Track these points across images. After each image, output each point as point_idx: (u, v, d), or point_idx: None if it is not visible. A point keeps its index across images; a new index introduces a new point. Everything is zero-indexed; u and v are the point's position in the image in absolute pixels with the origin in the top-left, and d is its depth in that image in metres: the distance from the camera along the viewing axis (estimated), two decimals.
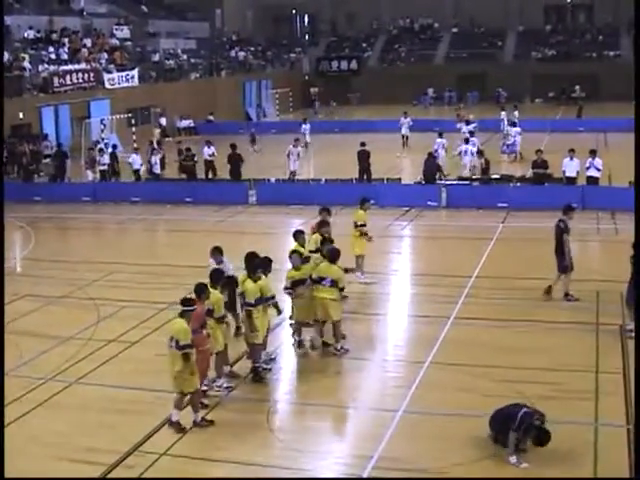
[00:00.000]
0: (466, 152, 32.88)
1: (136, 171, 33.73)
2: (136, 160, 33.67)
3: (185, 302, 12.11)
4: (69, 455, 11.33)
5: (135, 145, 37.10)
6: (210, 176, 34.02)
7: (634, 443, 9.29)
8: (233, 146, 33.51)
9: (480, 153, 31.61)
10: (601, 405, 12.33)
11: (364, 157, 31.60)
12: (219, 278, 13.47)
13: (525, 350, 14.56)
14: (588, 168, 27.73)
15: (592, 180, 27.78)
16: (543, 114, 57.09)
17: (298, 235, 16.18)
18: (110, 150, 35.91)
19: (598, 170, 27.64)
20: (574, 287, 17.94)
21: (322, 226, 17.12)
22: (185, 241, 25.08)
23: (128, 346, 15.44)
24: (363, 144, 31.87)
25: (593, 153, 28.06)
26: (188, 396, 12.10)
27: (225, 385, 13.23)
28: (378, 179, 31.28)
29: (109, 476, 10.75)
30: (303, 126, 45.87)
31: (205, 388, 12.91)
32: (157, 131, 49.53)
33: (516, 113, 45.77)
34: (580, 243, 23.57)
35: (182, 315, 11.99)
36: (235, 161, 33.06)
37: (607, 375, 13.39)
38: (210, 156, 34.19)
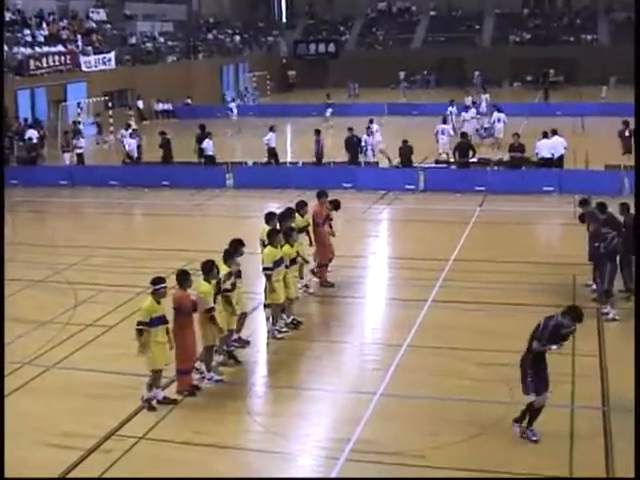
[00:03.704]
0: (443, 132, 32.88)
1: (211, 157, 31.98)
2: (209, 145, 31.89)
3: (153, 281, 12.22)
4: (46, 440, 11.28)
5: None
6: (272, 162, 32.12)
7: (634, 443, 9.30)
8: (202, 127, 33.28)
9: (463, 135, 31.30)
10: (578, 388, 12.43)
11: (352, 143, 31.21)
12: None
13: (502, 333, 14.61)
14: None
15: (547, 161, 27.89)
16: (521, 98, 57.17)
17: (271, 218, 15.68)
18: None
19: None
20: (550, 271, 18.07)
21: (300, 207, 16.71)
22: (163, 225, 24.99)
23: (105, 330, 15.38)
24: (351, 129, 31.65)
25: (545, 135, 28.21)
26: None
27: (215, 378, 13.15)
28: (356, 163, 31.13)
29: (86, 461, 10.74)
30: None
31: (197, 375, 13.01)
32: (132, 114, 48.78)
33: (485, 96, 46.08)
34: (557, 227, 23.78)
35: (152, 294, 12.17)
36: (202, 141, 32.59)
37: (583, 358, 13.46)
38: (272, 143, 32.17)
